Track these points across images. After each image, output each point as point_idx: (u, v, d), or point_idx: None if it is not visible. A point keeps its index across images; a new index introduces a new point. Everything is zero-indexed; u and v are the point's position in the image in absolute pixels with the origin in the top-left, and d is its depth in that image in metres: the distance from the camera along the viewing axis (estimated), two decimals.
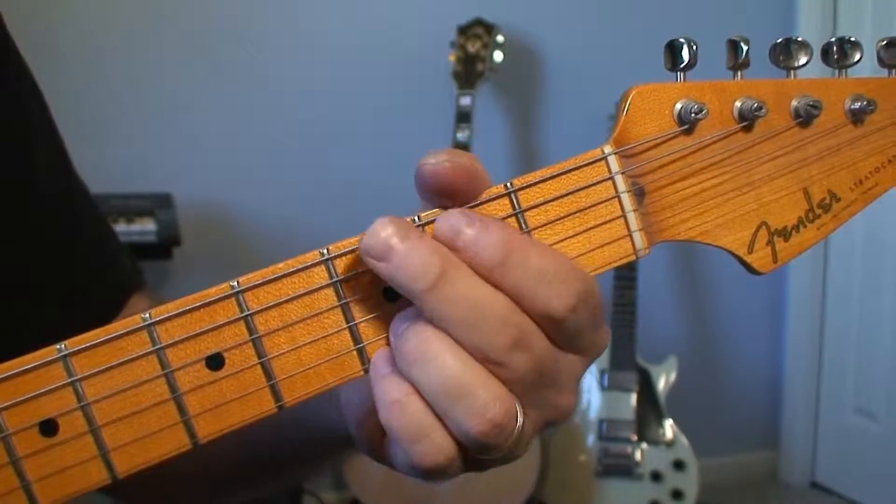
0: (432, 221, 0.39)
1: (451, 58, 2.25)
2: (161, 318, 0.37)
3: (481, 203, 0.40)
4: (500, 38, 2.27)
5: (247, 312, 0.38)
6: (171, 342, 0.38)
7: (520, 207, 0.41)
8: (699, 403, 2.59)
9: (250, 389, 0.39)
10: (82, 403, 0.37)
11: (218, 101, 2.35)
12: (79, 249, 0.64)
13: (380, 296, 0.40)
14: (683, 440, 2.22)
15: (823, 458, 2.77)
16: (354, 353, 0.40)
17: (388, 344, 0.39)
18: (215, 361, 0.38)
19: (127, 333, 0.37)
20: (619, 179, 0.42)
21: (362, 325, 0.40)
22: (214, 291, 0.38)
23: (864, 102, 0.47)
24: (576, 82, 2.52)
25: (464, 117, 2.17)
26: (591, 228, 0.42)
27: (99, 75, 2.27)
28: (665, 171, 0.43)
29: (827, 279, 2.70)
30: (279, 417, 0.39)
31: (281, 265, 0.39)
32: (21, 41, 0.62)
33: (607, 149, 0.42)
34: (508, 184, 0.41)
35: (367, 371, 0.40)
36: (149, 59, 2.30)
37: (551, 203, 0.41)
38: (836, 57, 0.47)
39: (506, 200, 0.41)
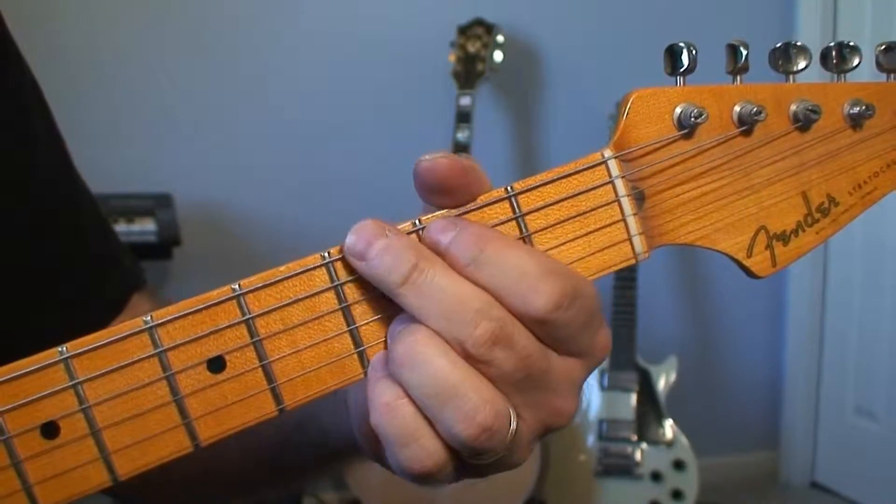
0: None
1: (451, 58, 2.25)
2: (162, 320, 0.38)
3: (481, 206, 0.41)
4: (500, 38, 2.26)
5: (248, 315, 0.38)
6: (172, 345, 0.38)
7: (520, 211, 0.41)
8: (699, 403, 2.59)
9: (251, 392, 0.39)
10: (83, 406, 0.37)
11: (218, 101, 2.35)
12: (79, 249, 0.64)
13: (380, 299, 0.40)
14: (683, 440, 2.22)
15: (823, 457, 2.77)
16: (355, 356, 0.40)
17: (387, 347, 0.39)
18: (216, 364, 0.38)
19: (128, 336, 0.37)
20: (620, 183, 0.42)
21: (363, 328, 0.40)
22: (216, 294, 0.38)
23: (863, 107, 0.47)
24: (576, 82, 2.52)
25: (464, 117, 2.17)
26: (591, 232, 0.42)
27: (99, 75, 2.27)
28: (665, 175, 0.44)
29: (827, 279, 2.70)
30: (282, 420, 0.39)
31: (282, 268, 0.39)
32: (21, 41, 0.62)
33: (607, 152, 0.42)
34: (509, 187, 0.41)
35: (367, 374, 0.40)
36: (149, 60, 2.30)
37: (552, 207, 0.41)
38: (834, 61, 0.47)
39: (506, 204, 0.41)
